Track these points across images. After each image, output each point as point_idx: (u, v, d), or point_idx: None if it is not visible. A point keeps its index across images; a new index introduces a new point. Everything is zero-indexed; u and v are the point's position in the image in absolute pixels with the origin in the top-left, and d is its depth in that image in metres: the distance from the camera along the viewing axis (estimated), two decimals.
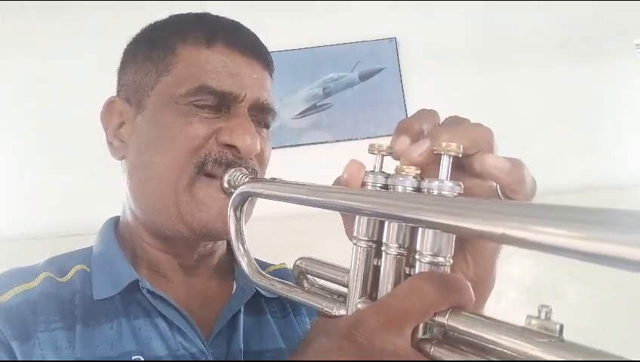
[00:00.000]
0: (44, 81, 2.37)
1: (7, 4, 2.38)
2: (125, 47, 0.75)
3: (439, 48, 2.45)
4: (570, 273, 2.14)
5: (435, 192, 0.40)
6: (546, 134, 2.30)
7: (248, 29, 0.74)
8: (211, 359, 0.63)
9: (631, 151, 2.35)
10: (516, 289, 2.03)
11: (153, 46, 0.70)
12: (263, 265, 0.76)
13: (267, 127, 0.74)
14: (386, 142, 0.47)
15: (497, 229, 0.31)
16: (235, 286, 0.73)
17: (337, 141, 2.36)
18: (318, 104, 2.42)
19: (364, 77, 2.42)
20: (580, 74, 2.41)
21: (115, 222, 0.76)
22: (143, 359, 0.61)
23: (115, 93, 0.75)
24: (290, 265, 0.83)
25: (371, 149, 0.47)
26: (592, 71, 2.41)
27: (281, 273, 0.81)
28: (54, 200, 2.30)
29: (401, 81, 2.40)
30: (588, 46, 2.43)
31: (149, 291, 0.65)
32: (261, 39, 0.74)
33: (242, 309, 0.70)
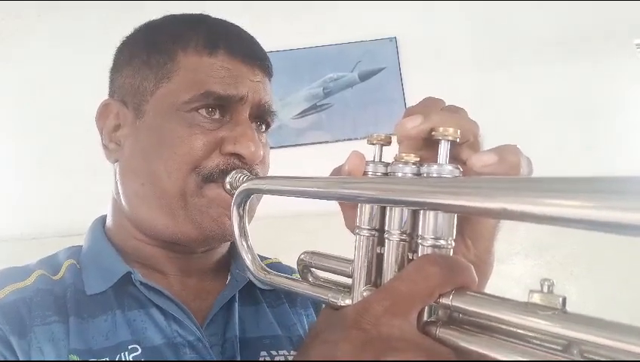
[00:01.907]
0: (44, 81, 2.38)
1: (7, 4, 2.38)
2: (119, 47, 0.75)
3: (439, 48, 2.45)
4: (571, 273, 2.15)
5: (435, 175, 0.40)
6: (545, 133, 2.30)
7: (248, 34, 0.74)
8: (208, 346, 0.64)
9: (630, 150, 2.35)
10: (517, 289, 2.03)
11: (151, 51, 0.70)
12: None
13: (268, 127, 0.75)
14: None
15: (497, 205, 0.31)
16: (229, 278, 0.74)
17: (337, 141, 2.36)
18: (318, 104, 2.42)
19: (364, 77, 2.43)
20: (580, 73, 2.42)
21: (103, 221, 0.76)
22: (139, 348, 0.61)
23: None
24: (290, 264, 0.84)
25: (370, 140, 0.47)
26: (592, 70, 2.42)
27: (276, 266, 0.82)
28: (55, 200, 2.30)
29: (401, 80, 2.41)
30: (587, 45, 2.43)
31: (141, 283, 0.65)
32: (261, 39, 0.74)
33: (237, 299, 0.71)
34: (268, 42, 0.75)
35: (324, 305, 0.49)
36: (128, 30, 0.76)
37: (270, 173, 0.73)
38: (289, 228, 2.00)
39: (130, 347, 0.61)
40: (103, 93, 0.75)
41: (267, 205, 0.74)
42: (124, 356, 0.60)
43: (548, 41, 2.44)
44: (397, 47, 2.44)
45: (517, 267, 2.14)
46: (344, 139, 2.35)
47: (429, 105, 0.47)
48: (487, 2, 2.43)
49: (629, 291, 2.02)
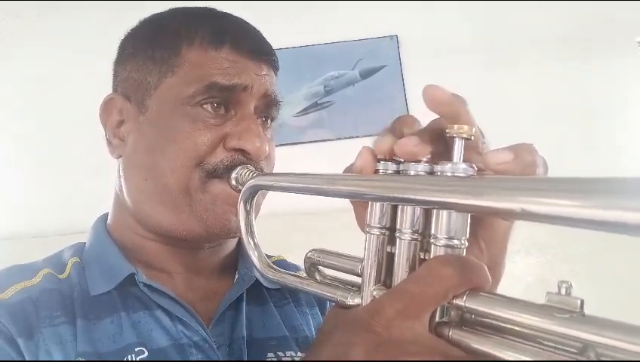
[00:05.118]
0: (44, 81, 2.37)
1: (7, 4, 2.37)
2: (123, 40, 0.74)
3: (440, 46, 2.45)
4: (573, 271, 2.15)
5: (449, 174, 0.39)
6: (546, 132, 2.29)
7: (254, 29, 0.73)
8: (215, 346, 0.63)
9: (631, 150, 2.35)
10: (518, 287, 2.03)
11: (155, 45, 0.69)
12: None
13: (273, 119, 0.74)
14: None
15: (516, 205, 0.30)
16: (236, 277, 0.73)
17: (338, 139, 2.36)
18: (319, 102, 2.42)
19: (366, 75, 2.42)
20: (581, 72, 2.41)
21: (105, 218, 0.76)
22: (145, 350, 0.61)
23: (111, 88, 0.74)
24: (295, 263, 0.83)
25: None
26: (593, 69, 2.41)
27: (281, 264, 0.81)
28: (56, 198, 2.30)
29: (402, 78, 2.40)
30: (588, 43, 2.43)
31: (145, 284, 0.65)
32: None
33: (245, 298, 0.70)
34: (270, 40, 0.74)
35: (328, 303, 0.48)
36: (128, 29, 0.75)
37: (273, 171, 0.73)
38: (289, 227, 2.00)
39: (136, 349, 0.60)
40: (103, 92, 0.75)
41: (267, 203, 0.73)
42: (132, 358, 0.60)
43: (549, 39, 2.44)
44: (398, 45, 2.44)
45: (518, 265, 2.14)
46: (345, 137, 2.34)
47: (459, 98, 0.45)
48: (487, 1, 2.43)
49: (630, 290, 2.02)
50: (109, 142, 0.72)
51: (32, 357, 0.57)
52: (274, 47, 0.74)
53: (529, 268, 2.15)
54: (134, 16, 0.76)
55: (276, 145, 0.76)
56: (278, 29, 2.29)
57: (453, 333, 0.37)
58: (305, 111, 2.41)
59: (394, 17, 2.45)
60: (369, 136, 2.46)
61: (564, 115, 2.37)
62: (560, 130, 2.34)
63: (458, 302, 0.37)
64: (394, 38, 2.44)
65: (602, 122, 2.38)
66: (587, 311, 0.31)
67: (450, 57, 2.43)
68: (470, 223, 0.41)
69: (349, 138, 2.34)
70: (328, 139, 2.37)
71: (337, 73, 2.42)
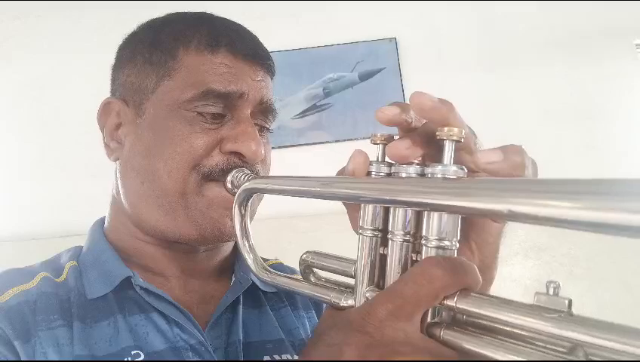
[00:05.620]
0: (44, 81, 2.38)
1: (7, 4, 2.38)
2: (121, 44, 0.75)
3: (439, 48, 2.45)
4: (571, 273, 2.15)
5: (439, 176, 0.40)
6: (545, 134, 2.30)
7: (251, 33, 0.73)
8: (211, 349, 0.63)
9: (631, 150, 2.35)
10: (516, 289, 2.03)
11: (153, 49, 0.69)
12: None
13: (268, 129, 0.74)
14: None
15: (503, 206, 0.31)
16: (233, 280, 0.73)
17: (337, 141, 2.36)
18: (317, 104, 2.42)
19: (364, 77, 2.43)
20: (580, 74, 2.41)
21: (102, 222, 0.76)
22: (141, 353, 0.61)
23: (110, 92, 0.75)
24: (290, 265, 0.84)
25: (373, 139, 0.47)
26: (592, 71, 2.42)
27: (277, 267, 0.81)
28: (55, 200, 2.29)
29: (401, 81, 2.40)
30: (587, 46, 2.43)
31: (141, 287, 0.65)
32: (261, 39, 0.74)
33: (242, 301, 0.70)
34: (268, 42, 0.74)
35: (325, 306, 0.48)
36: (128, 30, 0.75)
37: (270, 174, 0.73)
38: (285, 229, 2.00)
39: (133, 352, 0.61)
40: (103, 93, 0.75)
41: (262, 206, 0.74)
42: (128, 361, 0.60)
43: (548, 41, 2.44)
44: (397, 47, 2.44)
45: (516, 268, 2.14)
46: (344, 140, 2.35)
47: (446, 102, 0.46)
48: (487, 2, 2.43)
49: (628, 291, 2.02)
50: (107, 145, 0.72)
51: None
52: (273, 49, 0.75)
53: (527, 270, 2.15)
54: (134, 16, 0.76)
55: (275, 148, 0.76)
56: (277, 31, 2.31)
57: (444, 333, 0.38)
58: (303, 114, 2.41)
59: (393, 20, 2.46)
60: (367, 138, 2.43)
61: (564, 115, 2.37)
62: (560, 131, 2.34)
63: (449, 302, 0.38)
64: (393, 41, 2.45)
65: (602, 122, 2.38)
66: (586, 313, 0.32)
67: (448, 59, 2.44)
68: (462, 225, 0.41)
69: (348, 140, 2.34)
70: (327, 142, 2.37)
71: (336, 75, 2.43)
